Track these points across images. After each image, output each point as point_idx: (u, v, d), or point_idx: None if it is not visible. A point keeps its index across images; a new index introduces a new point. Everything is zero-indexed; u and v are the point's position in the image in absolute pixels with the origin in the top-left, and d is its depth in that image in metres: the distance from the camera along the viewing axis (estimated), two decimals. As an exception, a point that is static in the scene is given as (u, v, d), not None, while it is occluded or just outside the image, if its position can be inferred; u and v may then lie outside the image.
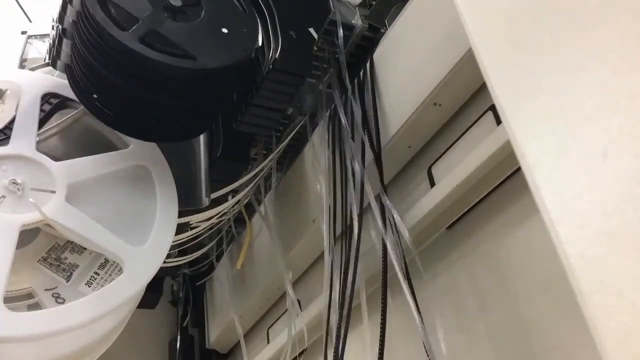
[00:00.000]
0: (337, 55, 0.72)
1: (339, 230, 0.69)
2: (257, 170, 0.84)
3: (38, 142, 0.68)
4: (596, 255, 0.27)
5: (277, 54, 0.68)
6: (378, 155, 0.65)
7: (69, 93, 0.71)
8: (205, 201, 0.78)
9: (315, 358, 0.84)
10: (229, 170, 0.83)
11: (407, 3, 0.67)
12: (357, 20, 0.72)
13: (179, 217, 0.72)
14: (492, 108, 0.58)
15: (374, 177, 0.64)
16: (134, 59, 0.62)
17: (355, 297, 0.61)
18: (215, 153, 0.81)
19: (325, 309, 0.65)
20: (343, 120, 0.68)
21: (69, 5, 0.66)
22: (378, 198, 0.63)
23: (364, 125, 0.67)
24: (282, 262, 0.82)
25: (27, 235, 0.67)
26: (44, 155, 0.66)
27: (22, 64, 1.01)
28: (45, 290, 0.65)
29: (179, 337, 1.16)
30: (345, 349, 0.58)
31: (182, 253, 0.96)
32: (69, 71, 0.71)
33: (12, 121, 0.69)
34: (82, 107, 0.71)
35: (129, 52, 0.62)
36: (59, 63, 0.71)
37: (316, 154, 0.76)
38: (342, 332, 0.59)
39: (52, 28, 0.71)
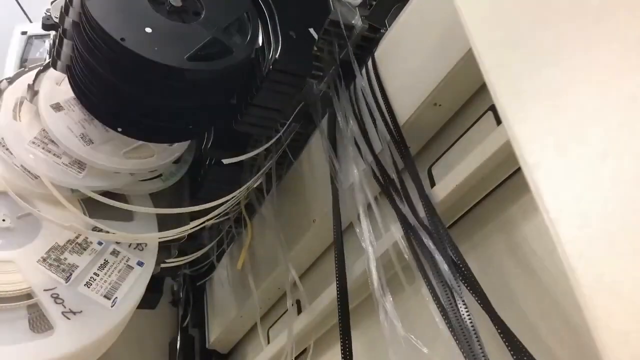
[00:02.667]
0: (337, 56, 0.72)
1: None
2: (260, 172, 0.85)
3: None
4: (596, 256, 0.27)
5: (277, 54, 0.68)
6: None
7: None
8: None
9: (317, 358, 0.84)
10: (228, 172, 0.83)
11: (407, 3, 0.67)
12: (357, 21, 0.72)
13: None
14: (492, 108, 0.58)
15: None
16: (187, 78, 0.64)
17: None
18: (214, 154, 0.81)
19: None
20: (341, 122, 0.68)
21: (70, 7, 0.66)
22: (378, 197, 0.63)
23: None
24: (284, 262, 0.81)
25: (27, 235, 0.67)
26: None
27: (23, 64, 1.02)
28: (45, 290, 0.65)
29: (179, 337, 1.16)
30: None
31: (182, 253, 0.96)
32: (69, 72, 0.71)
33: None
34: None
35: (182, 73, 0.64)
36: (59, 64, 0.71)
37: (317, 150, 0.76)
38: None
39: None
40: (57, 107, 0.74)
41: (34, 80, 0.77)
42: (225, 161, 0.77)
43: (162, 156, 0.78)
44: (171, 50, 0.64)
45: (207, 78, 0.67)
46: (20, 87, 0.80)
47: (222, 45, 0.67)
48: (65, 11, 0.67)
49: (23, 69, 0.85)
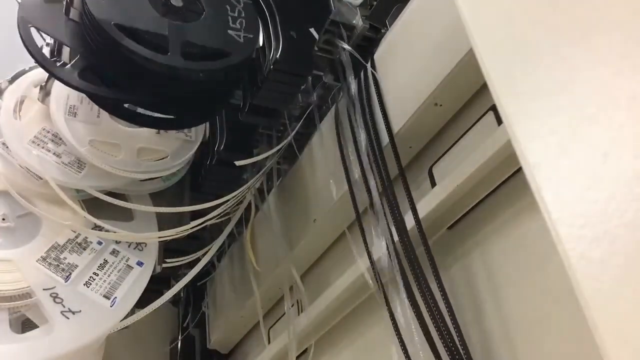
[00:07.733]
0: (337, 56, 0.72)
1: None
2: (262, 171, 0.85)
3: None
4: (597, 256, 0.27)
5: (278, 54, 0.68)
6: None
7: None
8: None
9: (318, 358, 0.84)
10: (229, 171, 0.83)
11: (408, 3, 0.67)
12: (357, 21, 0.72)
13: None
14: (493, 108, 0.58)
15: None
16: (183, 76, 0.64)
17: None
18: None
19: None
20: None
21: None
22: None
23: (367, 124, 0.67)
24: (285, 262, 0.82)
25: (27, 235, 0.67)
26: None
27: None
28: (44, 290, 0.65)
29: (179, 337, 1.16)
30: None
31: (182, 253, 0.96)
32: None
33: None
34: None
35: (177, 71, 0.64)
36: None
37: (323, 148, 0.76)
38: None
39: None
40: (71, 111, 0.74)
41: (47, 81, 0.76)
42: (238, 163, 0.78)
43: (174, 158, 0.79)
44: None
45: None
46: (20, 86, 0.80)
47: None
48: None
49: (23, 68, 0.85)
